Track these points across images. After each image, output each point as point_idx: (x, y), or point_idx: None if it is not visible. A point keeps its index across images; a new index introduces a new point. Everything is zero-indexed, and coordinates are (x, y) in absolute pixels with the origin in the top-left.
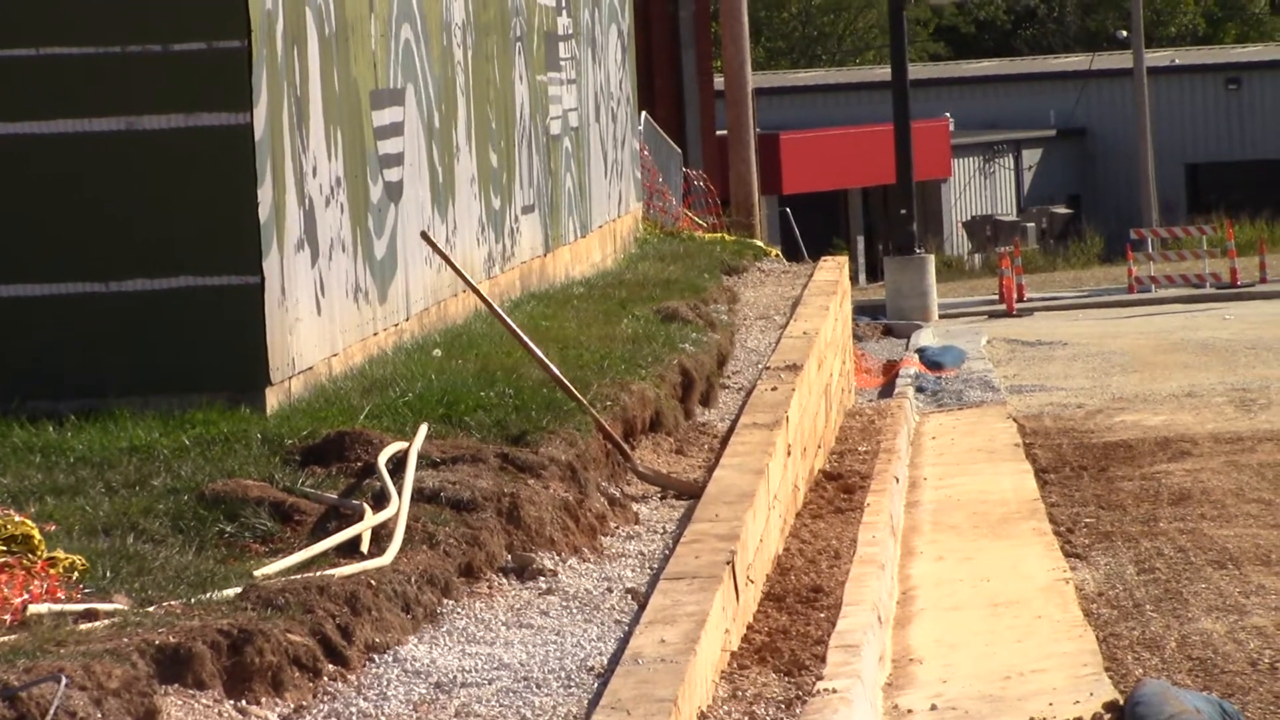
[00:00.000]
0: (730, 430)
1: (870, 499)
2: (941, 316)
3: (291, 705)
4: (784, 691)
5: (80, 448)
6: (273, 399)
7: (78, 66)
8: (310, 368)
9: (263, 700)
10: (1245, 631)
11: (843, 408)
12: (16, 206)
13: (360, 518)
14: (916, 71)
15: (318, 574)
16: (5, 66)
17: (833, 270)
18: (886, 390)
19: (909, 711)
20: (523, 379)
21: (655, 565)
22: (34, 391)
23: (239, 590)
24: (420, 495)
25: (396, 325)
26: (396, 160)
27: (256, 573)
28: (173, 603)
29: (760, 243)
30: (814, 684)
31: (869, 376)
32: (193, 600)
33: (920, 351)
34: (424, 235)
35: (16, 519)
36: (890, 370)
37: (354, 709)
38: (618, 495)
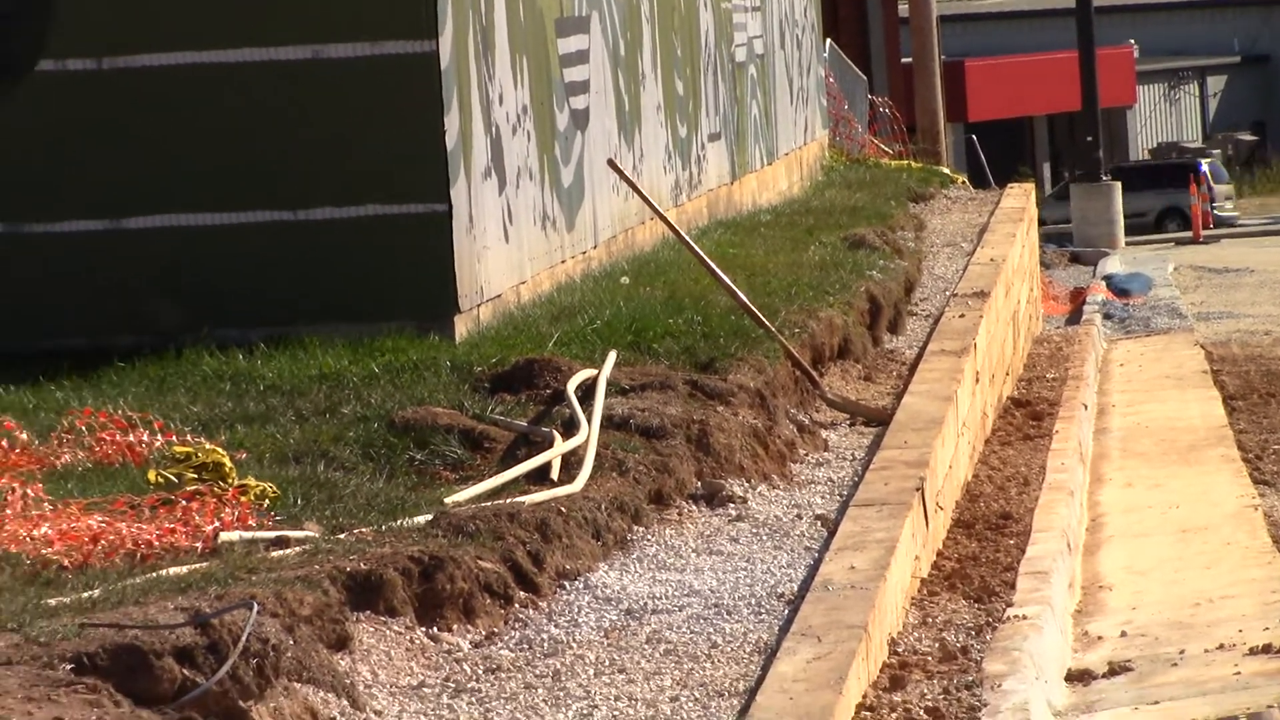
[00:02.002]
0: (918, 357)
1: (1059, 426)
2: (1128, 244)
3: (483, 632)
4: (974, 618)
5: (270, 375)
6: (461, 326)
7: None
8: (498, 295)
9: (454, 627)
10: None
11: (1030, 335)
12: (205, 136)
13: (550, 445)
14: None
15: (508, 501)
16: None
17: (1019, 197)
18: (1074, 317)
19: (1099, 638)
20: (710, 306)
21: (844, 492)
22: (223, 320)
23: (429, 517)
24: (609, 422)
25: (584, 253)
26: (583, 88)
27: (447, 500)
28: (363, 530)
29: (946, 170)
30: (1004, 610)
31: (1056, 303)
32: (383, 527)
33: (1107, 278)
34: (611, 163)
35: (207, 447)
36: (1078, 297)
37: (545, 635)
38: (806, 422)
